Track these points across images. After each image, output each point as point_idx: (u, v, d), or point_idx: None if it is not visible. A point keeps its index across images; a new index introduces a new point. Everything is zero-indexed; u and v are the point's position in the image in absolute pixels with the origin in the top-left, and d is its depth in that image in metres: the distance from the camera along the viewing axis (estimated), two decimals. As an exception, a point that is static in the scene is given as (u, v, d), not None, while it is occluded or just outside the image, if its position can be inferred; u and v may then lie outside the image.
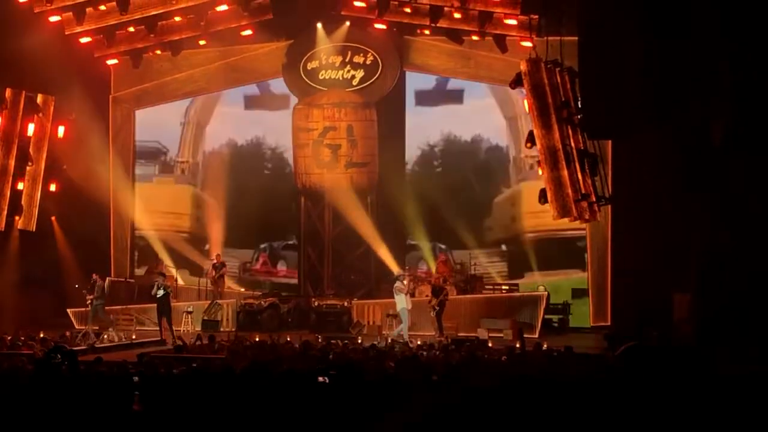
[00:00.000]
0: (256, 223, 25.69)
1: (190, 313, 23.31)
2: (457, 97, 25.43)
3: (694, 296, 17.99)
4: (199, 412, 8.60)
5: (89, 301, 22.44)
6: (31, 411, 8.50)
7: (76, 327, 22.38)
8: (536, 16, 20.72)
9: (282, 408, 8.42)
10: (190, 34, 23.72)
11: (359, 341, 19.30)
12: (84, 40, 23.33)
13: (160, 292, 21.30)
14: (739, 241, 16.00)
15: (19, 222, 21.48)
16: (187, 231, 26.64)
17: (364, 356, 15.28)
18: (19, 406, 8.61)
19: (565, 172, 18.48)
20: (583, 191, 18.57)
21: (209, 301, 23.83)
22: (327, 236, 25.04)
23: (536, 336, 20.96)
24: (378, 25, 23.48)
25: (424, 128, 25.33)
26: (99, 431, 8.31)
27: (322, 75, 25.17)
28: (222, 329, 22.74)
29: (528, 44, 20.86)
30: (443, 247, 24.86)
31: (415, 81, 25.46)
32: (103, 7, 22.27)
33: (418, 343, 18.73)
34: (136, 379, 9.93)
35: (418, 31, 23.62)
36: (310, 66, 25.23)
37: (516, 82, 19.41)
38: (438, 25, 22.59)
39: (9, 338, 18.94)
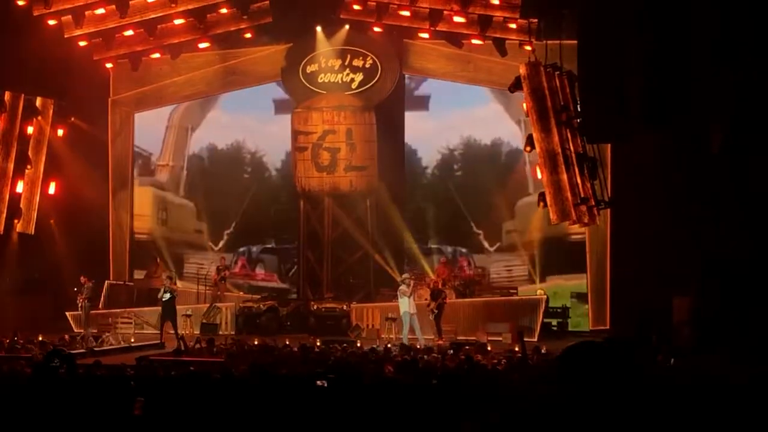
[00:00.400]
0: (235, 227, 25.76)
1: (189, 316, 23.30)
2: (422, 103, 25.52)
3: (693, 299, 18.01)
4: (197, 415, 8.59)
5: (80, 304, 22.48)
6: (29, 414, 8.48)
7: (75, 330, 22.38)
8: (536, 20, 20.72)
9: (280, 412, 8.41)
10: (190, 37, 23.73)
11: (358, 344, 19.29)
12: (83, 43, 23.33)
13: (166, 296, 21.31)
14: (738, 243, 16.01)
15: (18, 225, 21.47)
16: (146, 233, 26.79)
17: (363, 360, 15.27)
18: (17, 409, 8.59)
19: (565, 176, 18.47)
20: (583, 195, 18.56)
21: (208, 305, 23.84)
22: (326, 239, 25.03)
23: (535, 340, 20.96)
24: (377, 29, 23.51)
25: (441, 131, 25.27)
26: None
27: (321, 78, 25.17)
28: (221, 332, 22.73)
29: (527, 48, 20.87)
30: (449, 249, 24.87)
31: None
32: (102, 10, 22.25)
33: (417, 346, 18.73)
34: (132, 383, 9.92)
35: (418, 35, 23.62)
36: (309, 69, 25.24)
37: (515, 86, 19.41)
38: (437, 28, 22.60)
39: (7, 341, 18.94)
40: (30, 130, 21.50)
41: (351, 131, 24.70)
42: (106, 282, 24.98)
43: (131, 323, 23.09)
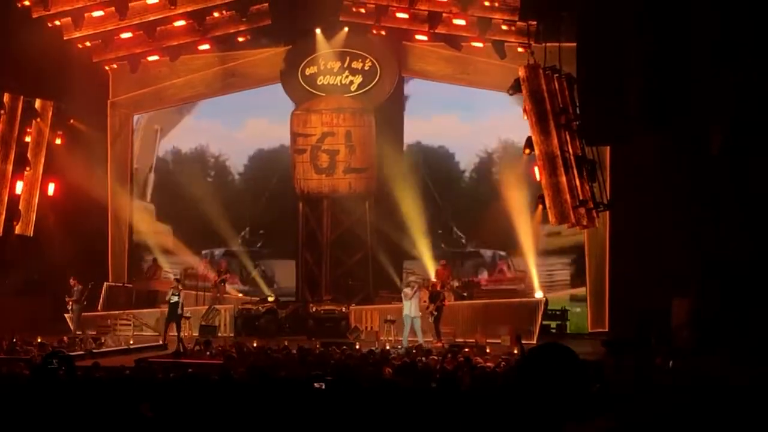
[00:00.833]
0: (200, 230, 25.77)
1: (188, 318, 23.26)
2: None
3: (693, 301, 18.00)
4: (196, 417, 8.58)
5: (70, 306, 22.45)
6: (27, 417, 8.47)
7: (75, 332, 22.35)
8: (534, 23, 20.72)
9: (278, 414, 8.40)
10: (189, 39, 23.73)
11: (357, 347, 19.27)
12: (83, 45, 23.32)
13: (174, 299, 21.30)
14: (738, 244, 16.00)
15: (17, 227, 21.46)
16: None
17: (362, 362, 15.25)
18: (15, 411, 8.58)
19: (564, 178, 18.47)
20: (582, 197, 18.57)
21: (207, 307, 23.81)
22: (325, 241, 25.01)
23: (534, 342, 20.95)
24: (377, 32, 23.51)
25: (478, 134, 25.21)
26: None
27: (320, 80, 25.16)
28: (220, 334, 22.71)
29: (520, 50, 20.91)
30: (489, 253, 24.84)
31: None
32: (101, 13, 22.25)
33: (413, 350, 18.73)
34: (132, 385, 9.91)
35: (417, 37, 23.63)
36: (308, 71, 25.23)
37: (514, 88, 19.44)
38: (436, 31, 22.61)
39: (6, 343, 18.92)
40: (29, 132, 21.49)
41: (350, 133, 24.68)
42: (105, 284, 24.95)
43: (130, 325, 23.04)
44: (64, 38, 22.67)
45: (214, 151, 26.96)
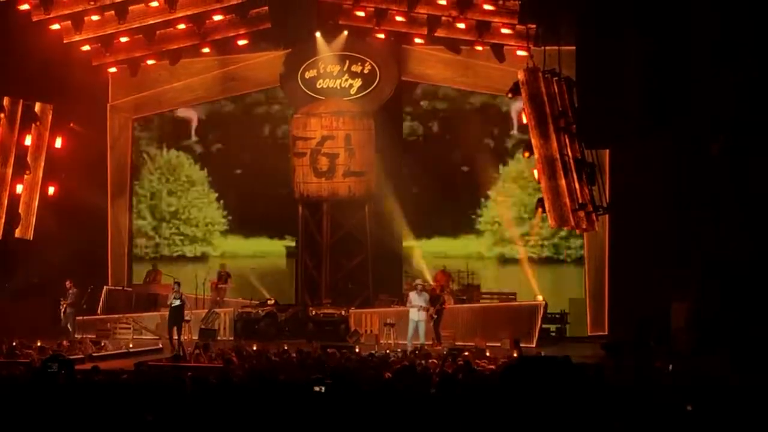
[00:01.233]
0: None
1: (188, 321, 23.24)
2: None
3: (692, 304, 18.00)
4: (196, 420, 8.58)
5: (63, 308, 22.42)
6: (27, 420, 8.47)
7: (73, 336, 22.33)
8: (534, 26, 20.74)
9: (278, 418, 8.40)
10: (189, 43, 23.73)
11: (357, 350, 19.27)
12: (83, 48, 23.31)
13: (176, 302, 21.28)
14: (738, 245, 16.01)
15: (17, 230, 21.45)
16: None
17: (361, 365, 15.25)
18: (15, 414, 8.58)
19: (563, 182, 18.48)
20: (581, 200, 18.58)
21: (207, 310, 23.79)
22: (324, 245, 24.98)
23: (533, 345, 20.96)
24: (377, 35, 23.51)
25: None
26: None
27: (320, 84, 25.14)
28: (219, 338, 22.70)
29: (520, 53, 20.93)
30: None
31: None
32: (101, 16, 22.26)
33: (416, 352, 18.75)
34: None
35: (416, 41, 23.64)
36: (308, 75, 25.21)
37: (513, 92, 19.45)
38: (436, 34, 22.62)
39: (5, 347, 18.90)
40: (29, 135, 21.49)
41: (350, 137, 24.64)
42: (104, 287, 24.95)
43: (130, 329, 23.03)
44: (64, 42, 22.65)
45: None
